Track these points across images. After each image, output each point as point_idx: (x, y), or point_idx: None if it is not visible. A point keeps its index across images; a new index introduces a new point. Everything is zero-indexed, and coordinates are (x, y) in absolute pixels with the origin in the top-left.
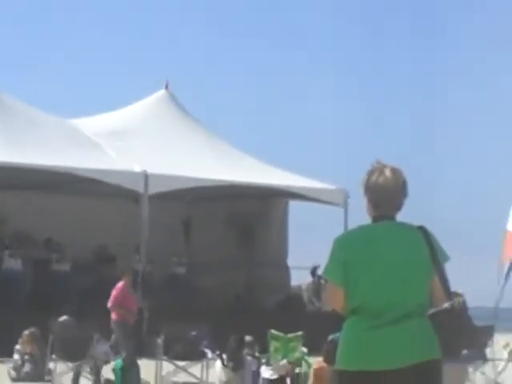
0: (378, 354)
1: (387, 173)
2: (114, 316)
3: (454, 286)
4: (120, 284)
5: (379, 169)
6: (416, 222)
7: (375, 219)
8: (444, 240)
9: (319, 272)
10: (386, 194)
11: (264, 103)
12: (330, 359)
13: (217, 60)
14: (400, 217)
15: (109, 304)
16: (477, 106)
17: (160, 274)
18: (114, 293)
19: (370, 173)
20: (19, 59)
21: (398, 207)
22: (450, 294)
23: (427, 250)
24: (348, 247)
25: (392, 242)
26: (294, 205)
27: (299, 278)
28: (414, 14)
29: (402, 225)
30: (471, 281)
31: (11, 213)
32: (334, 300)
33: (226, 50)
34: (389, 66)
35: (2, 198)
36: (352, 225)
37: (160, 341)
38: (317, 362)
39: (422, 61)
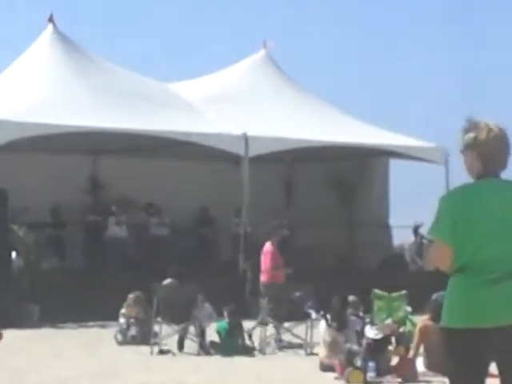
0: (485, 310)
1: (496, 130)
2: (267, 278)
3: None
4: (270, 246)
5: (485, 126)
6: None
7: (480, 176)
8: None
9: (421, 231)
10: (499, 151)
11: (362, 60)
12: (435, 317)
13: (312, 18)
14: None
15: (266, 266)
16: None
17: (262, 235)
18: (268, 255)
19: (477, 129)
20: (116, 20)
21: (505, 165)
22: None
23: None
24: (455, 205)
25: (498, 200)
26: (394, 163)
27: (401, 237)
28: None
29: (508, 182)
30: None
31: (113, 178)
32: (442, 258)
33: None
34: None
35: (103, 163)
36: (453, 183)
37: (264, 302)
38: (422, 320)
39: None
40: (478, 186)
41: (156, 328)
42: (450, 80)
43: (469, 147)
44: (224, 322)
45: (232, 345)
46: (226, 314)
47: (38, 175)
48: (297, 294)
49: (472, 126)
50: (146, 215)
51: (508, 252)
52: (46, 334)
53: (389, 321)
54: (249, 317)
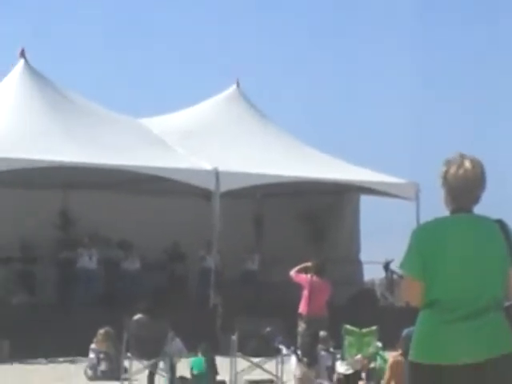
0: (453, 347)
1: (467, 164)
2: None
3: None
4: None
5: (459, 160)
6: (493, 216)
7: (453, 211)
8: None
9: (392, 267)
10: (466, 187)
11: (330, 97)
12: (407, 353)
13: (283, 58)
14: (477, 209)
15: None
16: None
17: (232, 270)
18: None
19: (449, 164)
20: (89, 56)
21: (477, 200)
22: None
23: (505, 243)
24: (426, 239)
25: (469, 235)
26: (365, 199)
27: (372, 273)
28: None
29: (480, 217)
30: None
31: (83, 212)
32: (412, 294)
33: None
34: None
35: (74, 198)
36: (424, 219)
37: (234, 337)
38: (392, 355)
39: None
40: (448, 221)
41: (126, 363)
42: (420, 115)
43: (441, 182)
44: (200, 359)
45: (203, 381)
46: (200, 351)
47: (7, 209)
48: (267, 329)
49: (447, 160)
50: (119, 250)
51: (477, 289)
52: (16, 369)
53: (359, 356)
54: (219, 352)
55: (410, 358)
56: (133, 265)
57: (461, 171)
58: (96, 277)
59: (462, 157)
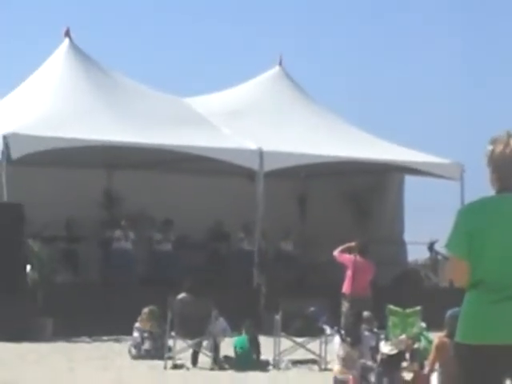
0: (500, 327)
1: None
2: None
3: None
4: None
5: (505, 139)
6: None
7: (498, 191)
8: None
9: (436, 247)
10: (511, 166)
11: (376, 77)
12: (452, 334)
13: (327, 32)
14: None
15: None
16: None
17: (276, 250)
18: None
19: (495, 143)
20: (134, 37)
21: None
22: None
23: None
24: (472, 219)
25: None
26: (409, 179)
27: (416, 254)
28: None
29: None
30: None
31: (127, 192)
32: (458, 274)
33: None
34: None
35: (119, 177)
36: (468, 199)
37: (278, 317)
38: (437, 336)
39: None
40: (495, 200)
41: (170, 342)
42: (466, 95)
43: (487, 161)
44: (243, 337)
45: (247, 360)
46: (243, 329)
47: (53, 189)
48: (311, 308)
49: (493, 139)
50: (163, 230)
51: None
52: (59, 348)
53: (403, 337)
54: (263, 332)
55: (457, 339)
56: (177, 244)
57: (507, 150)
58: (132, 258)
59: (509, 135)
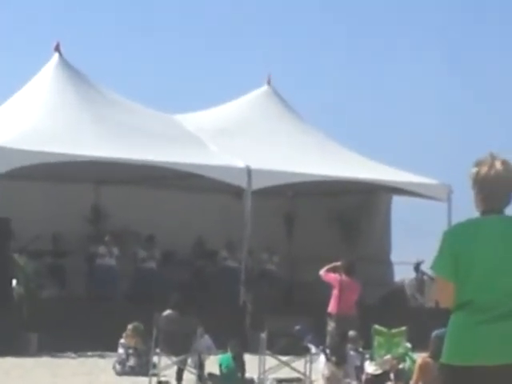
0: (487, 348)
1: (498, 165)
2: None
3: None
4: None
5: (489, 161)
6: None
7: (483, 213)
8: None
9: (422, 268)
10: (497, 188)
11: (363, 97)
12: (436, 355)
13: (315, 53)
14: (508, 210)
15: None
16: None
17: (262, 269)
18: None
19: (480, 165)
20: (123, 52)
21: (508, 201)
22: None
23: None
24: (458, 241)
25: (502, 236)
26: (396, 200)
27: (402, 274)
28: None
29: (511, 218)
30: None
31: (114, 207)
32: (444, 295)
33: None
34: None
35: (106, 193)
36: (456, 220)
37: (263, 335)
38: (421, 357)
39: None
40: (480, 221)
41: (155, 359)
42: (454, 116)
43: (472, 183)
44: (228, 355)
45: (231, 378)
46: (229, 347)
47: (40, 203)
48: (297, 327)
49: (478, 161)
50: (148, 247)
51: (509, 290)
52: (44, 363)
53: (388, 357)
54: (248, 350)
55: (443, 360)
56: (162, 261)
57: (492, 172)
58: (116, 274)
59: (493, 157)
